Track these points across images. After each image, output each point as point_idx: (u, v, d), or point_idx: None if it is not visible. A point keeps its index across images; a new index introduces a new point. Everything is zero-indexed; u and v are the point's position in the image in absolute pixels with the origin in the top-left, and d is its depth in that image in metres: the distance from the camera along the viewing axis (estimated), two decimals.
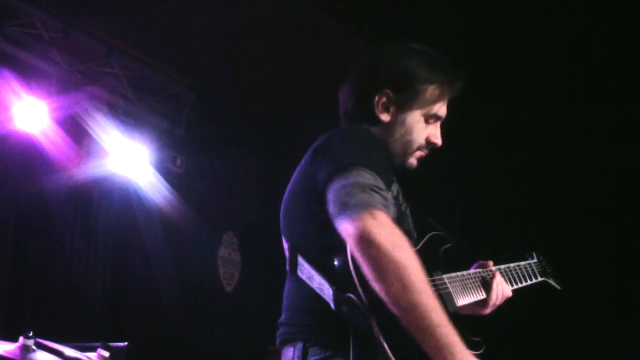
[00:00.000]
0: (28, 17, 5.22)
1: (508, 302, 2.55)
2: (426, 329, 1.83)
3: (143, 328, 6.30)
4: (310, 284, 2.05)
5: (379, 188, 1.98)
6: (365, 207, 1.90)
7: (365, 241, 1.86)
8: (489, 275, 2.51)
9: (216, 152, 6.73)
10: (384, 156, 2.20)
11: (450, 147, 2.41)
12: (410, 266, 1.85)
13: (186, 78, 6.20)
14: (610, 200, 6.54)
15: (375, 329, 1.89)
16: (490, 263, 2.57)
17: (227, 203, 7.05)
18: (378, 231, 1.86)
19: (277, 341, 2.16)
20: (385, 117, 2.27)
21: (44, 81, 5.30)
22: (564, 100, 6.04)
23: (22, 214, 5.44)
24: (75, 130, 5.61)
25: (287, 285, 2.19)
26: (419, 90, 2.27)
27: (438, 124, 2.35)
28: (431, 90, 2.29)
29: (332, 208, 1.96)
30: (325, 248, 2.03)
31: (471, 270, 2.49)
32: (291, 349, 2.09)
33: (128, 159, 5.81)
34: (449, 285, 2.27)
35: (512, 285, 2.62)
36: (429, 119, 2.31)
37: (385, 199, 1.98)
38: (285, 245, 2.21)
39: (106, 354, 3.31)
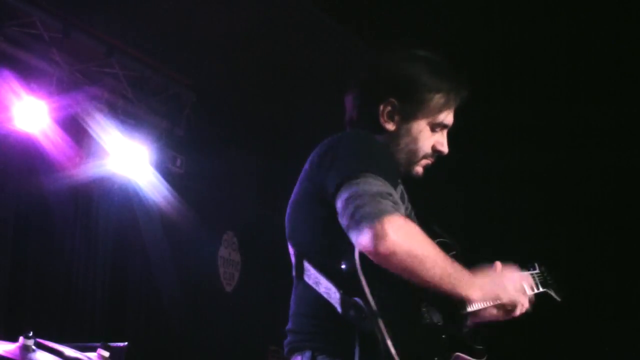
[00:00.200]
0: (28, 17, 5.21)
1: None
2: (475, 285, 2.06)
3: (143, 328, 6.29)
4: (317, 288, 2.05)
5: (388, 193, 1.97)
6: (377, 216, 1.90)
7: (387, 254, 1.90)
8: None
9: (216, 152, 6.72)
10: (389, 158, 2.19)
11: (450, 148, 2.40)
12: (431, 253, 1.97)
13: (186, 78, 6.19)
14: (610, 200, 6.53)
15: (382, 332, 1.90)
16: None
17: (227, 203, 7.04)
18: (394, 239, 1.89)
19: (285, 350, 2.16)
20: (390, 127, 2.25)
21: (44, 81, 5.29)
22: (564, 100, 6.04)
23: (22, 214, 5.43)
24: (75, 130, 5.60)
25: (294, 292, 2.19)
26: (425, 99, 2.25)
27: (445, 131, 2.33)
28: (437, 98, 2.26)
29: (343, 220, 1.96)
30: (331, 252, 2.03)
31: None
32: (299, 358, 2.10)
33: (128, 159, 5.80)
34: None
35: None
36: (434, 127, 2.29)
37: (395, 202, 1.98)
38: (291, 251, 2.21)
39: (106, 354, 3.31)
